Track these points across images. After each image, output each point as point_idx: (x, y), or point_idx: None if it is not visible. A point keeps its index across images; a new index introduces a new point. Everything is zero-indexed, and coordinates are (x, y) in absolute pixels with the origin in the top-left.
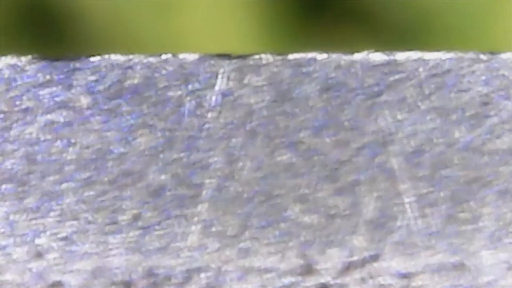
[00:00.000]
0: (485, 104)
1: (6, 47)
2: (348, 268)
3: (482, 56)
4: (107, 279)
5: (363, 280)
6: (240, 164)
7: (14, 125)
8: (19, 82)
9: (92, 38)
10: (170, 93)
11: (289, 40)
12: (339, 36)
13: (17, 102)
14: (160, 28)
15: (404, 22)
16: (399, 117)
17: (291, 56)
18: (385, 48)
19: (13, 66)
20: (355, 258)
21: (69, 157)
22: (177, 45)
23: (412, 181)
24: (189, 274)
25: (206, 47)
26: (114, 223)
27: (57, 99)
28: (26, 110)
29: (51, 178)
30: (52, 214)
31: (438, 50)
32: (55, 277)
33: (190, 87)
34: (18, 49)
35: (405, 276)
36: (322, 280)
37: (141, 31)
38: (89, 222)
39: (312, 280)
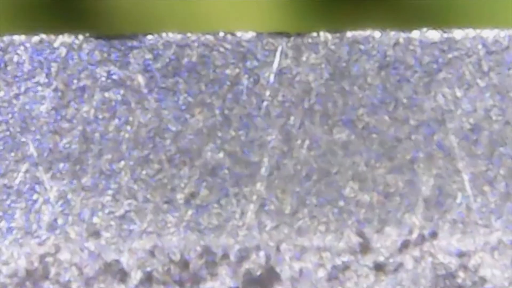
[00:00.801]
0: None
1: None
2: (405, 246)
3: None
4: (164, 257)
5: (420, 258)
6: (298, 142)
7: (71, 103)
8: (75, 61)
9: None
10: (227, 71)
11: (306, 17)
12: (350, 14)
13: (74, 81)
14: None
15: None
16: (457, 94)
17: (348, 34)
18: (406, 26)
19: (70, 45)
20: (412, 236)
21: (125, 135)
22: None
23: (470, 159)
24: (247, 252)
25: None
26: (171, 201)
27: (113, 77)
28: (83, 88)
29: (108, 156)
30: (109, 192)
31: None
32: (112, 256)
33: (247, 65)
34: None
35: (463, 254)
36: (380, 258)
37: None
38: (146, 201)
39: (369, 259)
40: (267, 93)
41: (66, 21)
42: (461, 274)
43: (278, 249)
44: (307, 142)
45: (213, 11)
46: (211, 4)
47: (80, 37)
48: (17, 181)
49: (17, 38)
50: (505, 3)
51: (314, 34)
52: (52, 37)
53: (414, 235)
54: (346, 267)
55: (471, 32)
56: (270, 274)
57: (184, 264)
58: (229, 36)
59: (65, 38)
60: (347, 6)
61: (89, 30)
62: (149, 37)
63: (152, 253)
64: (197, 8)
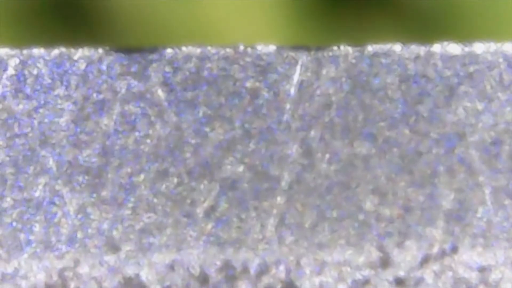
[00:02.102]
0: None
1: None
2: (426, 260)
3: None
4: (184, 272)
5: (441, 273)
6: (318, 155)
7: (90, 116)
8: (95, 74)
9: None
10: (247, 85)
11: (313, 30)
12: (367, 26)
13: (93, 94)
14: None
15: (436, 12)
16: (478, 108)
17: (369, 47)
18: (416, 38)
19: (89, 58)
20: (433, 250)
21: (145, 149)
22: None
23: (491, 172)
24: (267, 266)
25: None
26: (191, 215)
27: (133, 90)
28: (103, 101)
29: (127, 169)
30: (128, 205)
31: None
32: (131, 270)
33: (267, 78)
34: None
35: (484, 268)
36: (400, 273)
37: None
38: (166, 214)
39: (389, 273)
40: (287, 106)
41: (81, 34)
42: None
43: (298, 263)
44: (327, 155)
45: (232, 24)
46: (229, 17)
47: (100, 50)
48: (36, 194)
49: (36, 51)
50: None
51: (335, 47)
52: (72, 50)
53: (435, 250)
54: (366, 281)
55: (492, 46)
56: None
57: (203, 278)
58: (249, 50)
59: (85, 51)
60: (366, 19)
61: (107, 44)
62: (169, 50)
63: (171, 267)
64: (215, 21)
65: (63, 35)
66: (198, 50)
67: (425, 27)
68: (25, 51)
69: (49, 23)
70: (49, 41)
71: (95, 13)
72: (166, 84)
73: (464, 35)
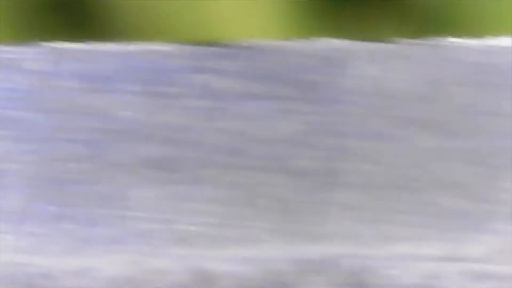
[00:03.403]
0: None
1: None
2: (497, 253)
3: None
4: (256, 266)
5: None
6: (381, 148)
7: (162, 110)
8: (166, 68)
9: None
10: (318, 78)
11: (315, 26)
12: (368, 21)
13: (164, 88)
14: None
15: (435, 8)
16: None
17: (441, 42)
18: (417, 34)
19: (162, 52)
20: (502, 243)
21: (214, 142)
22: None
23: None
24: (337, 260)
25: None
26: (262, 208)
27: (206, 84)
28: (173, 95)
29: (197, 163)
30: (197, 199)
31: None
32: (202, 264)
33: (338, 71)
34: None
35: None
36: (469, 265)
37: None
38: (236, 207)
39: (457, 266)
40: (353, 99)
41: (84, 31)
42: None
43: (370, 256)
44: (390, 148)
45: (222, 15)
46: (219, 8)
47: (172, 44)
48: (103, 189)
49: (102, 46)
50: None
51: (401, 40)
52: (143, 45)
53: (504, 243)
54: (436, 275)
55: None
56: (361, 281)
57: (276, 273)
58: (322, 43)
59: (157, 46)
60: (368, 15)
61: (98, 34)
62: (240, 44)
63: (243, 261)
64: (206, 14)
65: (65, 32)
66: (272, 44)
67: (426, 22)
68: (89, 46)
69: (51, 20)
70: (50, 37)
71: (97, 10)
72: (242, 77)
73: (465, 30)
